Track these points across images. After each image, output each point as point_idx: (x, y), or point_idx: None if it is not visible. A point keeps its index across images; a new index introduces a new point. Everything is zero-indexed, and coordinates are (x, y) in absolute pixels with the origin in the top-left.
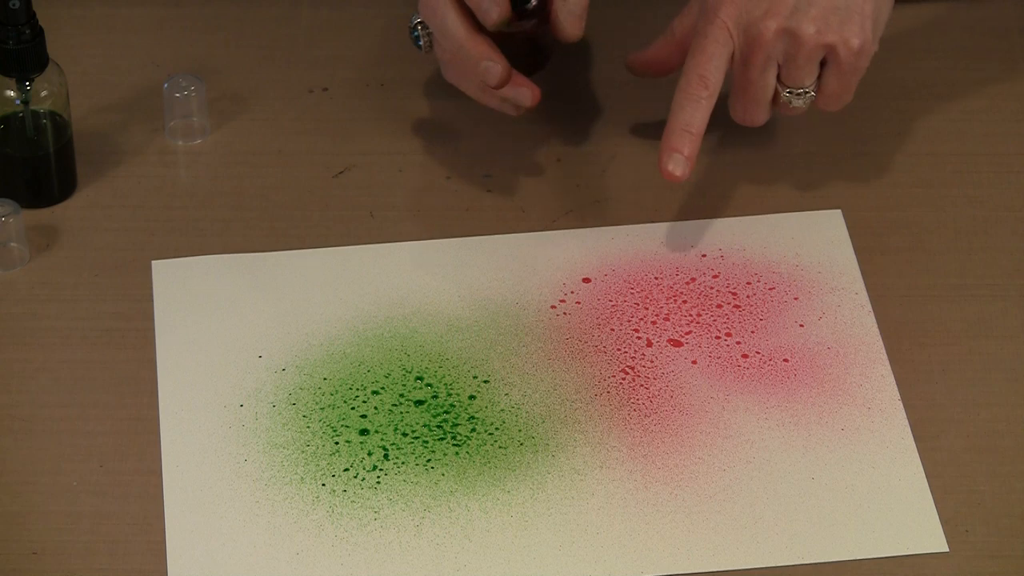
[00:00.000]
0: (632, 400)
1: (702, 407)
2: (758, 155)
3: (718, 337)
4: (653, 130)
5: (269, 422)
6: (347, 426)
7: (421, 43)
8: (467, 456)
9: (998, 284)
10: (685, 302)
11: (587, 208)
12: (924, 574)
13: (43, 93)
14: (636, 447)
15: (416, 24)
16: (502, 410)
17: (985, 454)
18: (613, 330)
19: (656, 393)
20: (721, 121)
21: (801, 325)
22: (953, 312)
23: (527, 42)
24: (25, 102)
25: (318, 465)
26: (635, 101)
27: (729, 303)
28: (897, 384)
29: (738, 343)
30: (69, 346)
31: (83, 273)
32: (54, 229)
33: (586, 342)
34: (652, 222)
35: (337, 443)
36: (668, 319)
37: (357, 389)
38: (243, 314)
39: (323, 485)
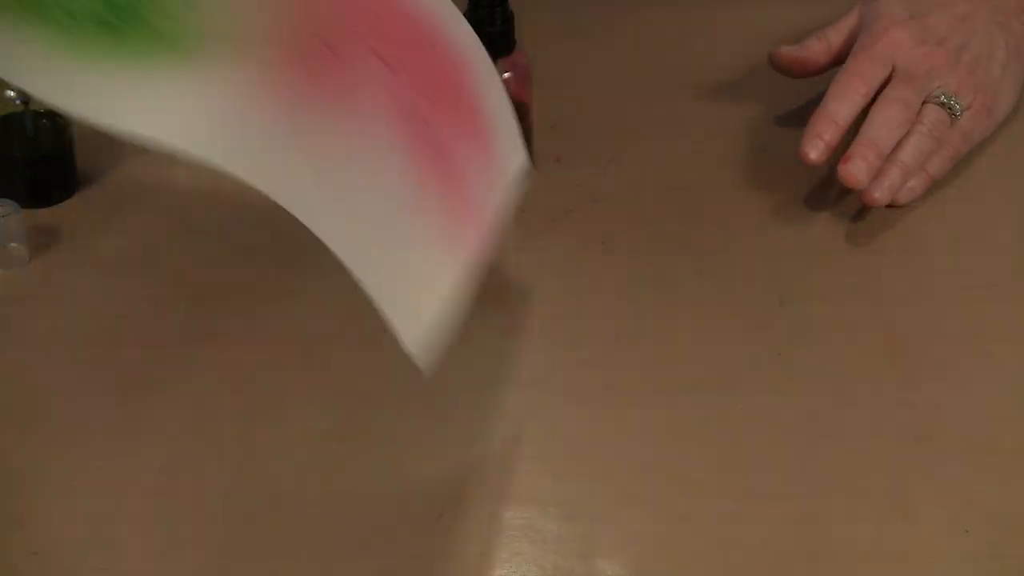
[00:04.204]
0: None
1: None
2: (758, 155)
3: None
4: (654, 130)
5: None
6: None
7: None
8: None
9: (998, 284)
10: None
11: (587, 208)
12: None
13: None
14: None
15: None
16: None
17: (985, 454)
18: None
19: None
20: (718, 121)
21: None
22: (953, 312)
23: None
24: (25, 102)
25: None
26: (635, 101)
27: None
28: (897, 384)
29: None
30: (69, 346)
31: (83, 273)
32: (54, 229)
33: None
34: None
35: None
36: None
37: None
38: None
39: None
